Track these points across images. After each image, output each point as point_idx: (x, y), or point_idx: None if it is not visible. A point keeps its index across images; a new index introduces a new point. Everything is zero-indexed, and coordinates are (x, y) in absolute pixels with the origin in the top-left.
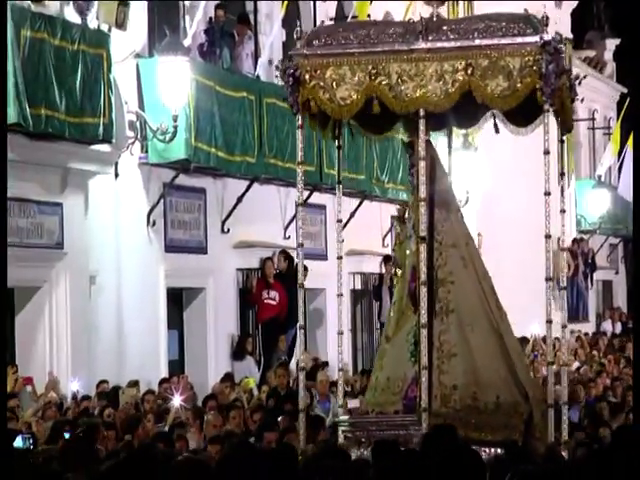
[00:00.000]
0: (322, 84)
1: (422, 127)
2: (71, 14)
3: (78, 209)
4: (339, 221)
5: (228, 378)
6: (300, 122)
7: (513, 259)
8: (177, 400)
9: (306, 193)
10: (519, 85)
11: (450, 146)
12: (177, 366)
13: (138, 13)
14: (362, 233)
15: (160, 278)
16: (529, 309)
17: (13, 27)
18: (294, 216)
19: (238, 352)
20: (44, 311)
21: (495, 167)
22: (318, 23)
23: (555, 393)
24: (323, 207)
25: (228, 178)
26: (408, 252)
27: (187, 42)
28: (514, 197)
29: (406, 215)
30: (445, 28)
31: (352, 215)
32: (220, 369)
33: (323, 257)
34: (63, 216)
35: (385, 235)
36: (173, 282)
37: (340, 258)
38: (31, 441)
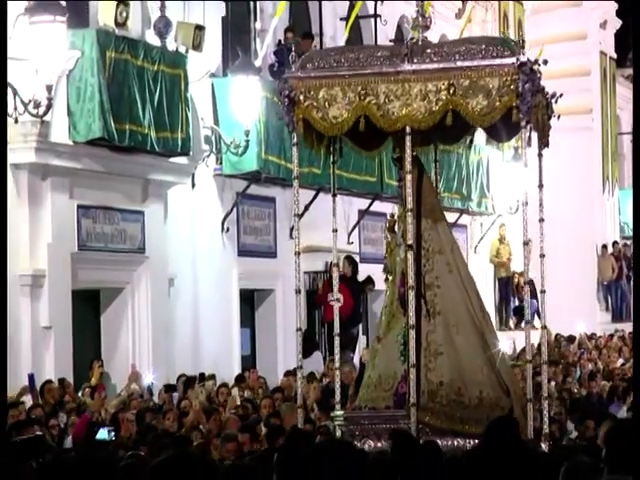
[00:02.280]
0: (315, 104)
1: (408, 143)
2: (151, 37)
3: (158, 216)
4: (334, 231)
5: (295, 372)
6: (296, 140)
7: (560, 263)
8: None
9: (368, 202)
10: (497, 103)
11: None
12: (249, 361)
13: (213, 36)
14: None
15: (233, 280)
16: (575, 309)
17: (99, 49)
18: (357, 223)
19: (307, 348)
20: (127, 310)
21: (543, 177)
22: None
23: (602, 388)
24: (384, 214)
25: None
26: (398, 259)
27: (258, 63)
28: (560, 205)
29: (395, 225)
30: (429, 51)
31: None
32: (289, 364)
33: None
34: (144, 223)
35: None
36: (245, 284)
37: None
38: (113, 433)
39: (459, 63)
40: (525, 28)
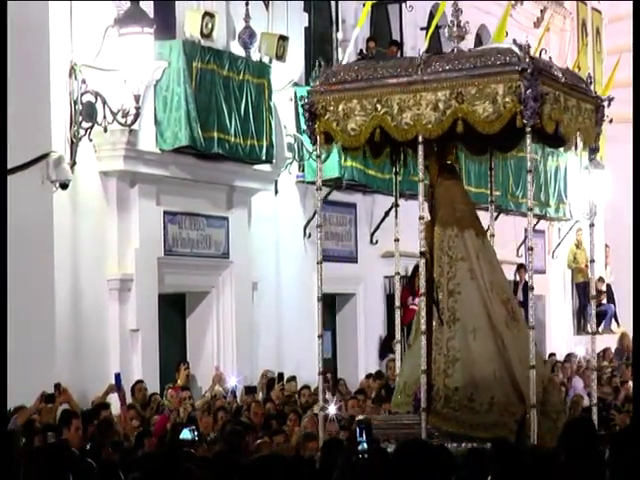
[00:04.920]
0: (335, 117)
1: (420, 152)
2: (236, 48)
3: (242, 222)
4: (396, 240)
5: (376, 375)
6: (319, 151)
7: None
8: (332, 409)
9: None
10: (503, 109)
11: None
12: (330, 364)
13: (296, 46)
14: (498, 244)
15: (315, 284)
16: None
17: (185, 59)
18: None
19: (384, 351)
20: (212, 314)
21: (619, 182)
22: None
23: None
24: None
25: (376, 194)
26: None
27: None
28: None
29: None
30: (440, 62)
31: (488, 228)
32: (369, 366)
33: None
34: (229, 229)
35: (519, 246)
36: (327, 288)
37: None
38: (196, 433)
39: (467, 72)
40: (603, 36)
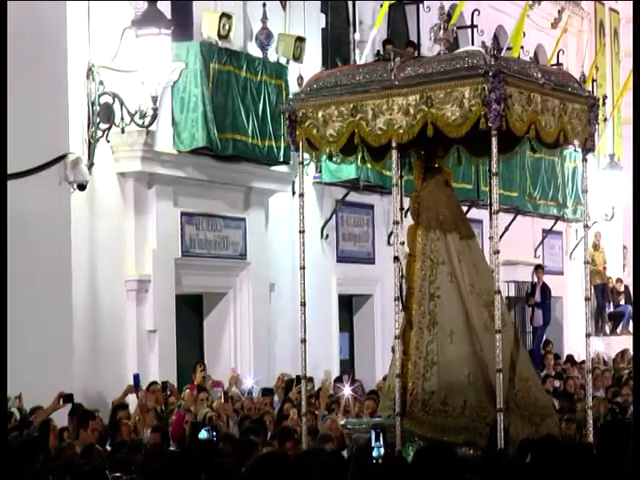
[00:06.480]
0: (315, 123)
1: (394, 158)
2: (253, 49)
3: (259, 223)
4: (402, 243)
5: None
6: (300, 158)
7: None
8: (347, 390)
9: (464, 209)
10: (469, 113)
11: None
12: (348, 365)
13: (313, 47)
14: (516, 245)
15: (332, 286)
16: None
17: (202, 60)
18: None
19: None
20: (229, 315)
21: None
22: None
23: None
24: (480, 221)
25: None
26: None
27: None
28: None
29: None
30: (413, 66)
31: (506, 229)
32: (387, 368)
33: None
34: (246, 230)
35: (537, 247)
36: (344, 289)
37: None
38: (214, 433)
39: (437, 76)
40: (621, 37)
